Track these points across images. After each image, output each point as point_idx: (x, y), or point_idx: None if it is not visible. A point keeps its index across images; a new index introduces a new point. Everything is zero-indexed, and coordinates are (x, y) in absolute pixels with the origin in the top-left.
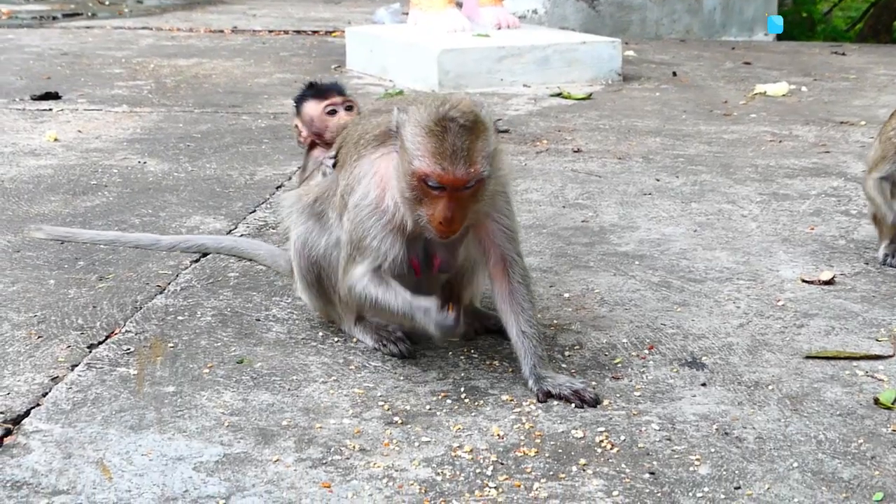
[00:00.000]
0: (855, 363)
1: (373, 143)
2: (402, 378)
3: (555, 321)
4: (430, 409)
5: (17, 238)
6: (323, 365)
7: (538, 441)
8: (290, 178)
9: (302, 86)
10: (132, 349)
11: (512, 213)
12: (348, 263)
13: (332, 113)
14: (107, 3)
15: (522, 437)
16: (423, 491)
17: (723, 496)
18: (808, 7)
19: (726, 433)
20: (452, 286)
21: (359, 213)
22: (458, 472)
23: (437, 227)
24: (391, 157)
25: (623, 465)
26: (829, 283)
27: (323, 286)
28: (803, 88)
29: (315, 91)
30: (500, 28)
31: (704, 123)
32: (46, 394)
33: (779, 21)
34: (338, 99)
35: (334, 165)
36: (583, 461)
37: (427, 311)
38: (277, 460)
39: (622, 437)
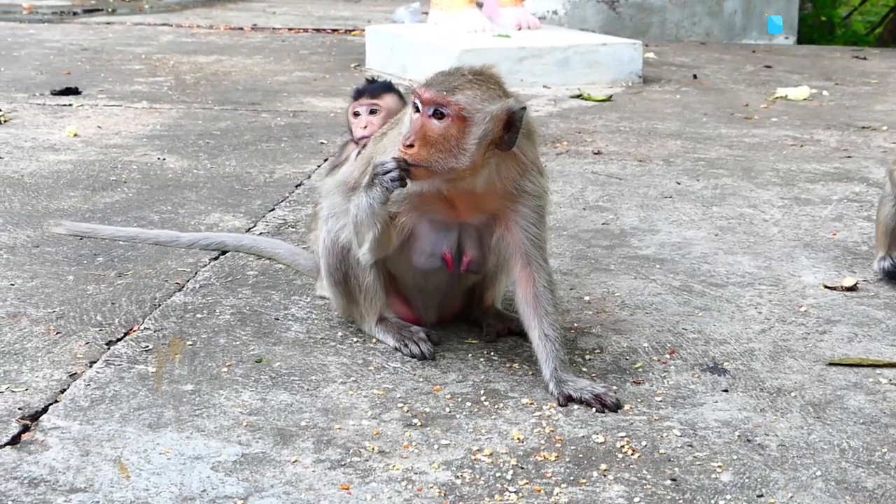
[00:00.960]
0: (878, 371)
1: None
2: (421, 380)
3: (575, 324)
4: (449, 412)
5: (37, 233)
6: (342, 365)
7: (558, 445)
8: (309, 177)
9: (376, 78)
10: (151, 347)
11: (542, 223)
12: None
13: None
14: None
15: (543, 442)
16: (442, 494)
17: None
18: (828, 11)
19: (748, 440)
20: (475, 288)
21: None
22: (477, 476)
23: (401, 146)
24: None
25: (644, 471)
26: (852, 289)
27: (349, 285)
28: (825, 92)
29: (400, 94)
30: (520, 28)
31: (725, 126)
32: (65, 390)
33: (778, 21)
34: None
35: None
36: (604, 466)
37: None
38: (296, 461)
39: (643, 443)
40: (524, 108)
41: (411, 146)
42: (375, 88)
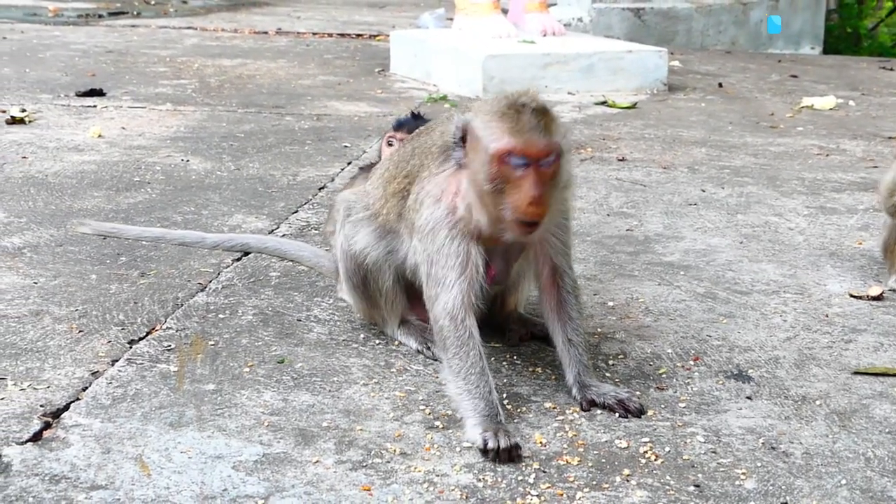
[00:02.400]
0: None
1: (438, 157)
2: (443, 382)
3: (599, 330)
4: None
5: (60, 232)
6: (364, 367)
7: (581, 450)
8: (332, 180)
9: (420, 113)
10: (173, 346)
11: (568, 229)
12: (432, 287)
13: None
14: (152, 2)
15: (565, 446)
16: (464, 497)
17: None
18: (854, 22)
19: (773, 447)
20: (498, 293)
21: (433, 230)
22: (499, 479)
23: (526, 210)
24: (455, 168)
25: (667, 477)
26: (878, 298)
27: (369, 289)
28: (851, 102)
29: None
30: (545, 35)
31: (751, 135)
32: (86, 388)
33: (777, 21)
34: None
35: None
36: (626, 472)
37: (488, 419)
38: (317, 462)
39: (667, 449)
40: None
41: (540, 204)
42: (416, 125)
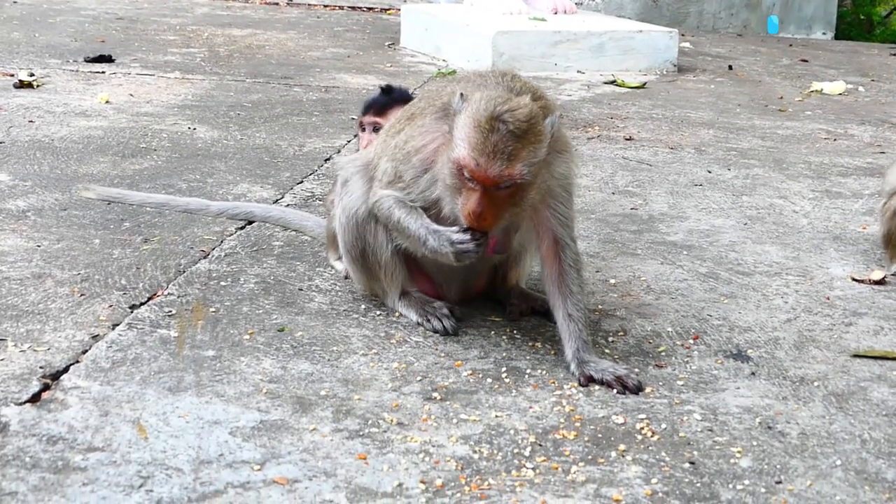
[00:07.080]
0: None
1: (435, 113)
2: (443, 355)
3: (600, 306)
4: (469, 387)
5: (65, 196)
6: (364, 337)
7: (578, 425)
8: (338, 151)
9: (393, 86)
10: (174, 312)
11: (570, 201)
12: (381, 186)
13: None
14: None
15: (562, 420)
16: (459, 468)
17: (763, 490)
18: (867, 9)
19: (769, 427)
20: (499, 266)
21: (408, 166)
22: (495, 451)
23: (467, 217)
24: (445, 135)
25: (663, 454)
26: (880, 283)
27: (367, 261)
28: (860, 88)
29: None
30: (556, 13)
31: (759, 118)
32: (86, 351)
33: (775, 20)
34: None
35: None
36: (622, 447)
37: (442, 234)
38: (314, 429)
39: (663, 426)
40: (559, 116)
41: (484, 220)
42: (384, 104)
